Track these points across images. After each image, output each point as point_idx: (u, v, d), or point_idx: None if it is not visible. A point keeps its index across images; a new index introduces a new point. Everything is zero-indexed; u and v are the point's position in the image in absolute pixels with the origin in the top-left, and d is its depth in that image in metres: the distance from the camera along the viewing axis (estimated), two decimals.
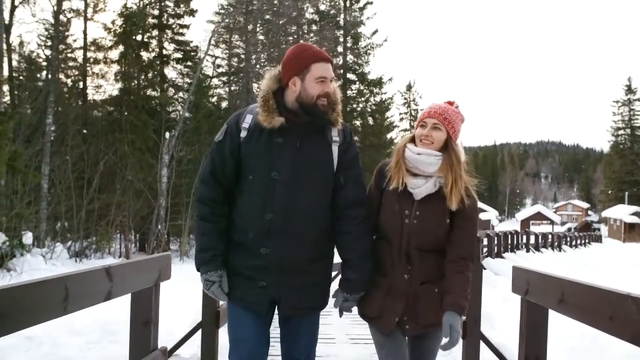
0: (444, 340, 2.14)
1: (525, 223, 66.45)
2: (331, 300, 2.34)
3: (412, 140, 2.27)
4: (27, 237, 12.20)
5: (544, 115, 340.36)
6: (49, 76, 19.27)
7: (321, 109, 2.13)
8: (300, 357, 2.33)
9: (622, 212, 51.99)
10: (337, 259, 2.32)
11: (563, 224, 73.92)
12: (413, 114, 40.72)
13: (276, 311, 2.29)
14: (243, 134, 2.17)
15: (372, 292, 2.26)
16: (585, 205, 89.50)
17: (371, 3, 29.83)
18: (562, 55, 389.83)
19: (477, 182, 2.26)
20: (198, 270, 2.20)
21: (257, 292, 2.17)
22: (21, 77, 21.86)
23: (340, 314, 2.31)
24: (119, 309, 5.59)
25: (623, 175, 58.03)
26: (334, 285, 2.36)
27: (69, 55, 22.56)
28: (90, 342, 4.70)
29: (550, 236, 24.27)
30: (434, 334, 2.28)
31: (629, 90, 60.12)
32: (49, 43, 21.19)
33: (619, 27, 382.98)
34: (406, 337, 2.30)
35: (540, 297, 2.55)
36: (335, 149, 2.22)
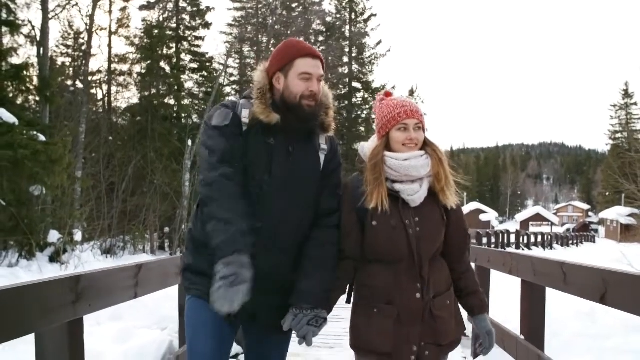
0: (469, 346, 2.28)
1: (524, 224, 67.69)
2: None
3: (385, 148, 2.02)
4: (77, 235, 13.98)
5: (546, 116, 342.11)
6: (81, 86, 21.02)
7: (306, 109, 1.90)
8: None
9: (618, 214, 53.55)
10: None
11: (563, 225, 74.95)
12: None
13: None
14: (244, 128, 1.91)
15: (380, 324, 1.97)
16: (586, 206, 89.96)
17: (375, 15, 31.69)
18: (565, 57, 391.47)
19: (462, 176, 2.10)
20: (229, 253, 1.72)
21: None
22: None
23: (300, 342, 1.87)
24: None
25: (620, 177, 59.33)
26: None
27: (92, 65, 24.27)
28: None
29: (541, 235, 25.99)
30: (449, 352, 2.09)
31: (626, 94, 61.38)
32: (74, 53, 23.09)
33: (624, 29, 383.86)
34: None
35: (481, 262, 4.31)
36: (322, 158, 2.03)
